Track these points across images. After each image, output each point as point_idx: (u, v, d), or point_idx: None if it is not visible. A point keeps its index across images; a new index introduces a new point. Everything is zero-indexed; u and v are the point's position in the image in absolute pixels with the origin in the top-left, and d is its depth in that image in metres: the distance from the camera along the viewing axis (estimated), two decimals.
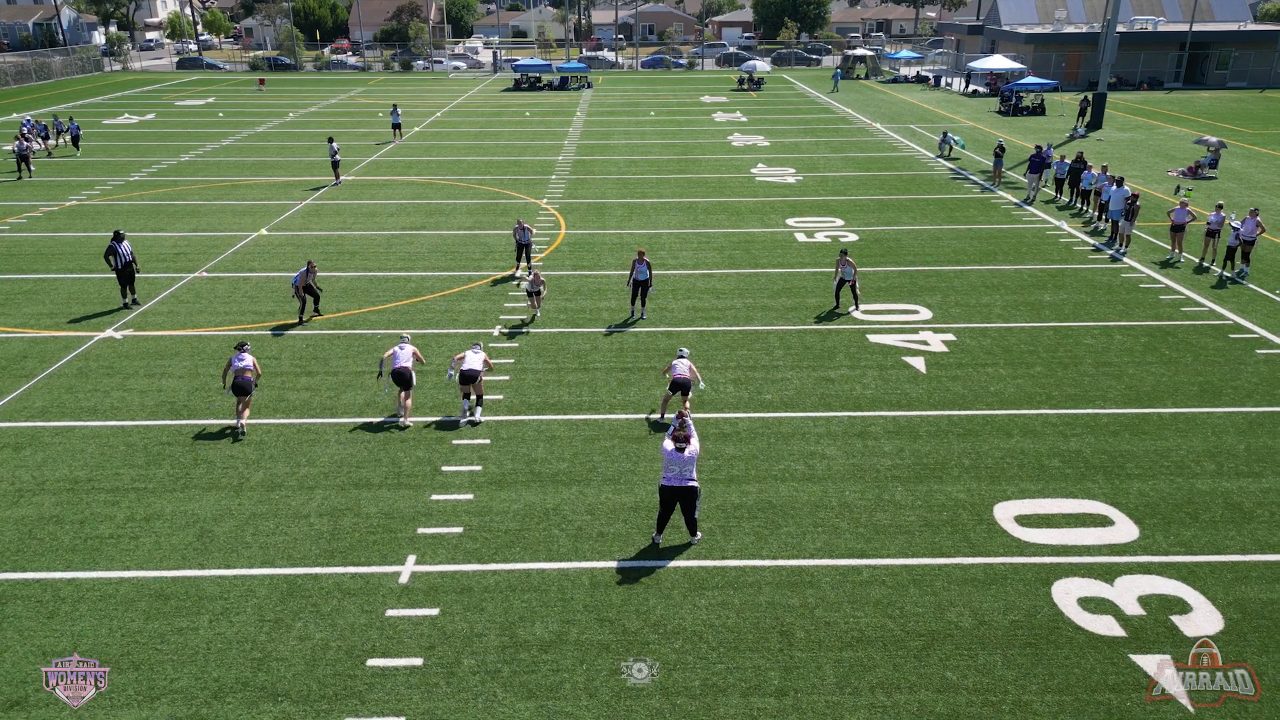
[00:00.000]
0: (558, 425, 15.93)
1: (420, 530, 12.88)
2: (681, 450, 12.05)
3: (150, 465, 14.65)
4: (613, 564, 12.12)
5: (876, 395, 16.95)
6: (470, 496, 13.72)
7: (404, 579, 11.86)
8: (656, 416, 16.11)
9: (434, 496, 13.72)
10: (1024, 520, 13.02)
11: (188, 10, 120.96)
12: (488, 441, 15.35)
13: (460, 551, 12.40)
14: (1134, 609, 11.13)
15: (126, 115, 55.25)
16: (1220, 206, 24.35)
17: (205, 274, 24.12)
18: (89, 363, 18.59)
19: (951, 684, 10.01)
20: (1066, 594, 11.42)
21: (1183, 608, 11.17)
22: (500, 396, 16.98)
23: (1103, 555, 12.19)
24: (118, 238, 21.18)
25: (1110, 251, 25.60)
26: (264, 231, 28.28)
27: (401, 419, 15.83)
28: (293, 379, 17.76)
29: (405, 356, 15.82)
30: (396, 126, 46.01)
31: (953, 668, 10.25)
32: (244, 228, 28.85)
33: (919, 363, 18.27)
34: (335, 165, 35.29)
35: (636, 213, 30.67)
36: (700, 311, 21.26)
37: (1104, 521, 12.97)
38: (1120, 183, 26.25)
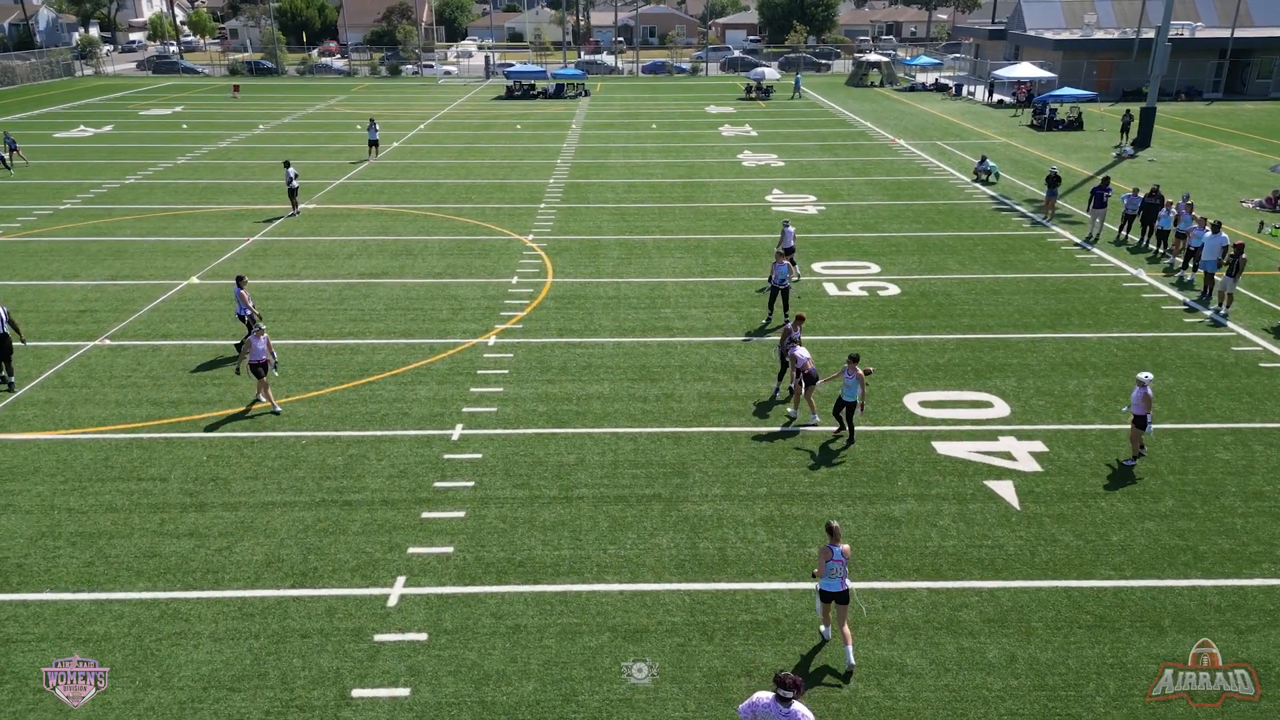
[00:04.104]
0: (523, 605, 11.46)
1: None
2: (787, 703, 7.79)
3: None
4: None
5: (959, 549, 12.52)
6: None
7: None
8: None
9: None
10: None
11: (173, 10, 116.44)
12: (424, 637, 10.85)
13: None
14: None
15: (81, 127, 50.66)
16: None
17: (107, 342, 19.69)
18: None
19: None
20: None
21: None
22: (449, 550, 12.49)
23: None
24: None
25: (1209, 312, 21.17)
26: (194, 280, 23.86)
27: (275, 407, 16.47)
28: (177, 514, 13.30)
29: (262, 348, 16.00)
30: (374, 143, 41.62)
31: None
32: (172, 274, 24.41)
33: (1008, 490, 13.84)
34: (293, 193, 30.85)
35: (636, 253, 26.25)
36: (715, 401, 16.83)
37: None
38: (1217, 229, 21.82)
